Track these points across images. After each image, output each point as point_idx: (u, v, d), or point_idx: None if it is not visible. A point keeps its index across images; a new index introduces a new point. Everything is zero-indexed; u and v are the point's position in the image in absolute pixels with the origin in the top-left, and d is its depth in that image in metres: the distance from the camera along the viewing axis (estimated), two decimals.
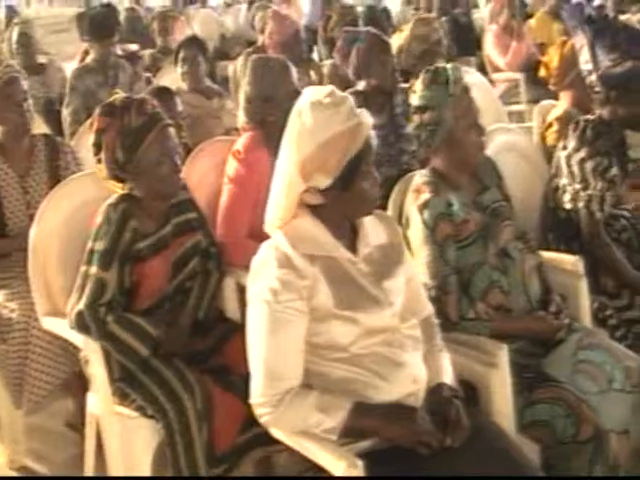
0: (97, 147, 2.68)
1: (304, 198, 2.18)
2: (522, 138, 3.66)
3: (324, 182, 2.13)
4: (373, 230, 2.30)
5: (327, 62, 5.83)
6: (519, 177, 3.43)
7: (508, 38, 6.93)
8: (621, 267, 3.08)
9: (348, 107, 2.15)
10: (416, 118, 2.76)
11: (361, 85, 4.08)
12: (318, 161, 2.12)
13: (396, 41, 4.76)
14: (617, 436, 2.48)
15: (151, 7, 10.40)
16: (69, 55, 9.28)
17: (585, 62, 3.32)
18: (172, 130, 2.73)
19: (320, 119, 2.12)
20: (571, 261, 2.95)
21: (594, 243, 3.10)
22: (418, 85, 2.77)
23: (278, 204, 2.21)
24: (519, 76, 6.65)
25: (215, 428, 2.55)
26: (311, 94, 2.19)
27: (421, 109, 2.73)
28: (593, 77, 3.25)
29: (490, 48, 7.07)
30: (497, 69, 6.99)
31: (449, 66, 2.77)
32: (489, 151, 3.32)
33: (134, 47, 6.80)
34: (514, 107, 6.36)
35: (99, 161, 2.69)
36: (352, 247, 2.24)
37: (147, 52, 6.70)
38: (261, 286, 2.13)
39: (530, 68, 5.99)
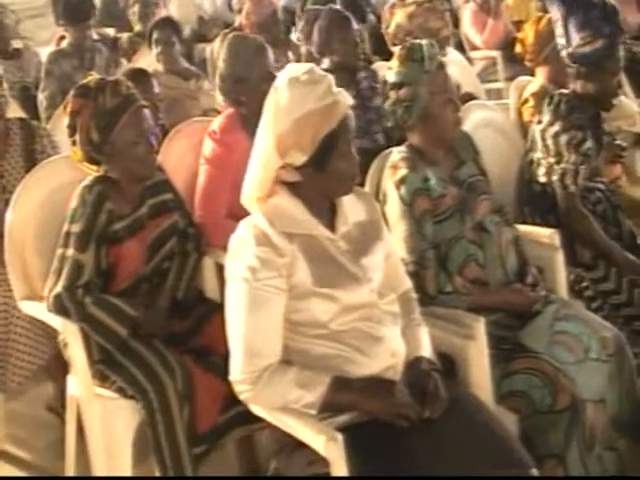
0: (72, 129, 2.68)
1: (281, 174, 2.18)
2: (498, 114, 3.68)
3: (299, 159, 2.14)
4: (352, 207, 2.31)
5: None
6: (496, 152, 3.45)
7: (485, 16, 6.91)
8: (598, 237, 3.10)
9: (325, 85, 2.15)
10: (392, 94, 2.76)
11: (325, 63, 4.08)
12: (293, 138, 2.12)
13: (398, 18, 4.70)
14: (594, 405, 2.51)
15: None
16: (45, 40, 9.20)
17: (559, 36, 3.32)
18: (147, 111, 2.72)
19: (296, 96, 2.12)
20: (547, 234, 2.98)
21: (570, 216, 3.12)
22: (394, 62, 2.78)
23: (255, 178, 2.22)
24: (496, 54, 6.65)
25: (196, 408, 2.56)
26: (290, 71, 2.20)
27: (397, 85, 2.74)
28: (564, 52, 3.26)
29: (467, 26, 7.05)
30: (474, 47, 6.98)
31: (424, 42, 2.77)
32: (466, 127, 3.35)
33: (110, 32, 6.75)
34: (492, 85, 6.37)
35: (74, 143, 2.69)
36: (331, 225, 2.25)
37: (125, 35, 6.63)
38: (240, 264, 2.13)
39: (507, 46, 5.99)
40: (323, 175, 2.16)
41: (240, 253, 2.14)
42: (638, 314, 2.98)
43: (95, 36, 6.15)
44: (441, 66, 2.72)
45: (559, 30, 3.30)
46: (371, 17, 8.38)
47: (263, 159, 2.18)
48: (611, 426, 2.61)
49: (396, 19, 4.69)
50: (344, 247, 2.22)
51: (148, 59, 5.13)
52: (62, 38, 5.65)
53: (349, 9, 7.89)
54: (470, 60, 6.79)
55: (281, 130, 2.12)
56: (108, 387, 2.65)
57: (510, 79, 5.30)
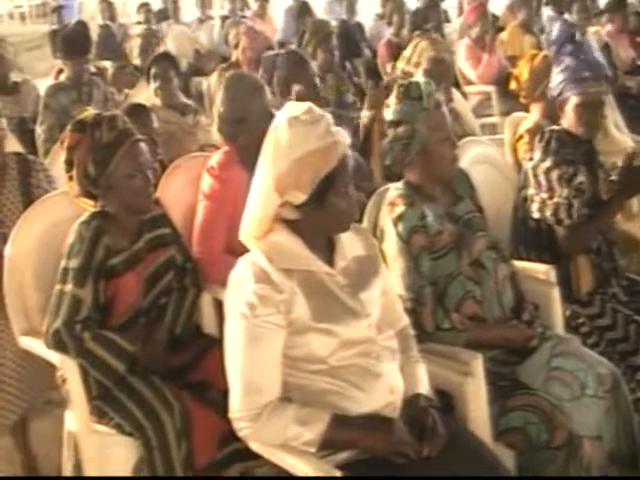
0: (69, 164, 2.71)
1: (280, 212, 2.20)
2: (494, 150, 3.72)
3: (299, 198, 2.16)
4: (350, 242, 2.33)
5: None
6: (491, 188, 3.48)
7: (480, 51, 6.97)
8: (596, 228, 3.14)
9: (324, 125, 2.18)
10: (390, 132, 2.79)
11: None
12: (292, 177, 2.14)
13: (402, 64, 4.78)
14: (590, 442, 2.53)
15: (124, 24, 10.40)
16: (42, 72, 9.30)
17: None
18: (144, 145, 2.76)
19: (296, 135, 2.15)
20: (543, 270, 3.00)
21: (569, 247, 3.13)
22: (392, 99, 2.81)
23: (254, 216, 2.23)
24: (491, 89, 6.70)
25: (194, 444, 2.57)
26: (289, 110, 2.22)
27: (395, 123, 2.77)
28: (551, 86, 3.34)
29: (462, 61, 7.11)
30: (469, 82, 7.03)
31: (422, 80, 2.81)
32: (462, 163, 3.39)
33: (107, 65, 6.81)
34: (487, 119, 6.41)
35: (70, 178, 2.72)
36: (329, 260, 2.26)
37: (113, 66, 6.73)
38: (239, 301, 2.15)
39: (502, 81, 6.04)
40: (322, 213, 2.18)
41: (239, 290, 2.15)
42: (634, 350, 2.98)
43: (92, 69, 6.24)
44: (439, 104, 2.76)
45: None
46: (366, 51, 8.50)
47: (262, 197, 2.20)
48: (608, 462, 2.62)
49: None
50: (342, 282, 2.24)
51: (146, 93, 5.17)
52: (60, 71, 5.71)
53: (345, 44, 8.07)
54: (465, 95, 6.86)
55: (281, 169, 2.14)
56: (106, 423, 2.65)
57: (505, 114, 5.36)
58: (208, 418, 2.58)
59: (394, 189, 2.79)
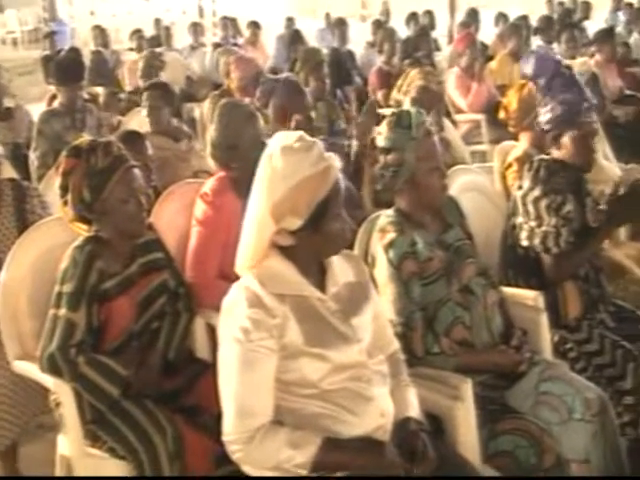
0: (64, 189, 2.75)
1: (275, 239, 2.24)
2: (483, 178, 3.78)
3: (295, 224, 2.20)
4: (341, 269, 2.37)
5: None
6: (480, 215, 3.54)
7: (469, 80, 7.07)
8: (583, 256, 3.18)
9: (317, 151, 2.23)
10: (381, 159, 2.84)
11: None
12: (289, 203, 2.18)
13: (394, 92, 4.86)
14: (578, 465, 2.57)
15: (116, 50, 10.48)
16: (34, 97, 9.36)
17: (540, 105, 3.43)
18: (137, 171, 2.80)
19: (291, 163, 2.19)
20: (531, 296, 3.05)
21: (556, 275, 3.17)
22: (383, 127, 2.86)
23: (249, 245, 2.27)
24: (480, 117, 6.78)
25: (186, 467, 2.59)
26: (281, 139, 2.26)
27: (385, 150, 2.82)
28: (542, 118, 3.37)
29: (452, 90, 7.21)
30: (459, 110, 7.12)
31: (412, 110, 2.87)
32: (452, 190, 3.44)
33: (100, 90, 6.87)
34: (477, 147, 6.49)
35: (65, 203, 2.76)
36: (321, 286, 2.30)
37: (103, 91, 6.80)
38: (232, 325, 2.18)
39: (491, 109, 6.12)
40: (317, 237, 2.22)
41: (233, 314, 2.19)
42: (620, 374, 3.03)
43: (86, 96, 6.29)
44: (428, 133, 2.81)
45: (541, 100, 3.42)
46: (357, 79, 8.58)
47: (258, 225, 2.24)
48: None
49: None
50: (334, 307, 2.28)
51: (139, 119, 5.23)
52: (53, 97, 5.76)
53: (336, 72, 8.15)
54: (455, 123, 6.94)
55: (277, 197, 2.18)
56: (99, 447, 2.68)
57: (494, 142, 5.43)
58: (201, 442, 2.61)
59: (385, 216, 2.83)
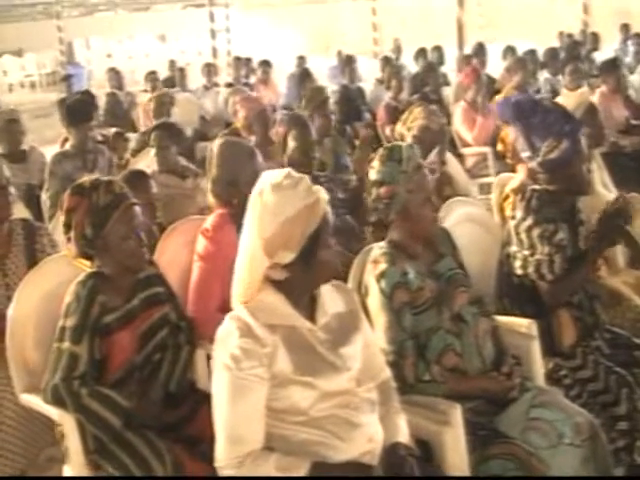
0: (67, 226, 2.87)
1: (269, 274, 2.33)
2: (480, 210, 3.86)
3: (287, 257, 2.30)
4: (331, 299, 2.46)
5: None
6: (478, 246, 3.62)
7: (474, 114, 7.18)
8: (578, 278, 3.24)
9: (305, 186, 2.32)
10: (374, 191, 2.94)
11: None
12: (281, 238, 2.28)
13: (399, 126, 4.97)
14: None
15: (131, 92, 10.67)
16: (50, 139, 9.55)
17: (523, 150, 3.47)
18: (138, 208, 2.91)
19: (281, 199, 2.29)
20: (525, 324, 3.11)
21: (551, 301, 3.23)
22: (376, 161, 2.96)
23: (243, 280, 2.37)
24: (487, 150, 6.87)
25: None
26: (270, 177, 2.36)
27: (377, 183, 2.92)
28: (534, 163, 3.40)
29: (458, 123, 7.32)
30: (466, 143, 7.23)
31: (404, 145, 2.97)
32: (449, 222, 3.53)
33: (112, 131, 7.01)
34: (484, 179, 6.56)
35: (69, 240, 2.86)
36: (311, 316, 2.39)
37: (111, 132, 6.97)
38: (224, 354, 2.27)
39: (496, 142, 6.21)
40: (309, 268, 2.32)
41: (225, 344, 2.28)
42: (614, 400, 3.07)
43: (99, 137, 6.44)
44: (419, 167, 2.90)
45: (522, 145, 3.45)
46: (367, 115, 8.71)
47: (251, 261, 2.34)
48: None
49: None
50: (323, 337, 2.36)
51: (148, 159, 5.35)
52: (66, 140, 5.89)
53: (346, 108, 8.28)
54: (462, 156, 7.04)
55: (268, 233, 2.28)
56: (101, 475, 2.75)
57: (500, 174, 5.51)
58: (200, 471, 2.67)
59: (378, 248, 2.92)
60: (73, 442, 2.77)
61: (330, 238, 2.36)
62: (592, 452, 2.76)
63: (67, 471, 2.88)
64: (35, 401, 2.92)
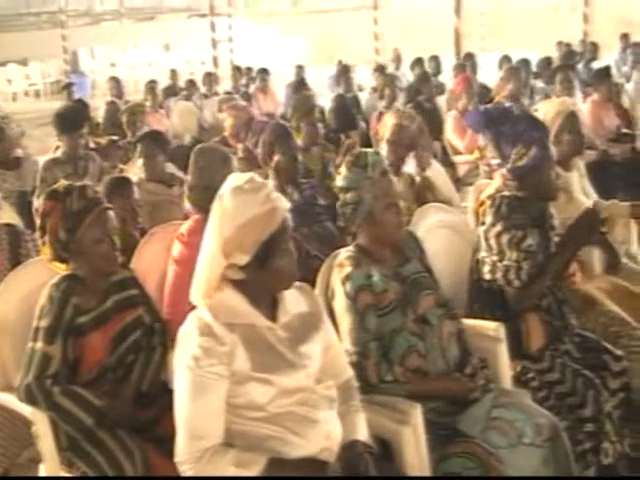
0: (42, 230, 2.94)
1: (226, 273, 2.41)
2: (453, 216, 3.93)
3: (243, 259, 2.38)
4: (294, 300, 2.53)
5: None
6: (452, 251, 3.70)
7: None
8: (542, 282, 3.28)
9: (265, 192, 2.40)
10: (341, 196, 3.01)
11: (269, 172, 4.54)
12: (237, 241, 2.36)
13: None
14: None
15: (130, 100, 10.75)
16: (52, 146, 9.65)
17: (492, 157, 3.54)
18: (111, 213, 2.98)
19: (239, 203, 2.37)
20: (492, 327, 3.18)
21: (518, 306, 3.29)
22: (342, 168, 3.03)
23: (202, 278, 2.45)
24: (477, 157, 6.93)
25: None
26: (233, 180, 2.44)
27: (344, 189, 2.99)
28: (504, 170, 3.47)
29: (450, 132, 7.39)
30: (457, 152, 7.29)
31: (370, 151, 3.04)
32: (422, 227, 3.60)
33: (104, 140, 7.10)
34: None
35: (44, 243, 2.94)
36: (272, 315, 2.46)
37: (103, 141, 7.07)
38: (185, 353, 2.35)
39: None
40: (264, 273, 2.39)
41: (185, 343, 2.35)
42: (581, 403, 3.13)
43: (92, 144, 6.52)
44: (384, 172, 2.97)
45: (492, 153, 3.52)
46: (362, 124, 8.80)
47: (209, 260, 2.42)
48: None
49: None
50: (282, 335, 2.43)
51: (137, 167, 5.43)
52: (58, 147, 5.98)
53: (341, 117, 8.36)
54: (453, 164, 7.11)
55: (227, 234, 2.36)
56: (74, 472, 2.83)
57: None
58: (170, 468, 2.72)
59: (344, 252, 2.99)
60: (46, 440, 2.84)
61: (288, 247, 2.42)
62: (553, 453, 2.82)
63: (42, 470, 2.95)
64: (10, 400, 2.99)
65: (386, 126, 4.78)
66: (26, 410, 2.88)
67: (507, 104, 5.48)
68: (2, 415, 3.29)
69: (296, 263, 2.46)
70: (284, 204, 2.42)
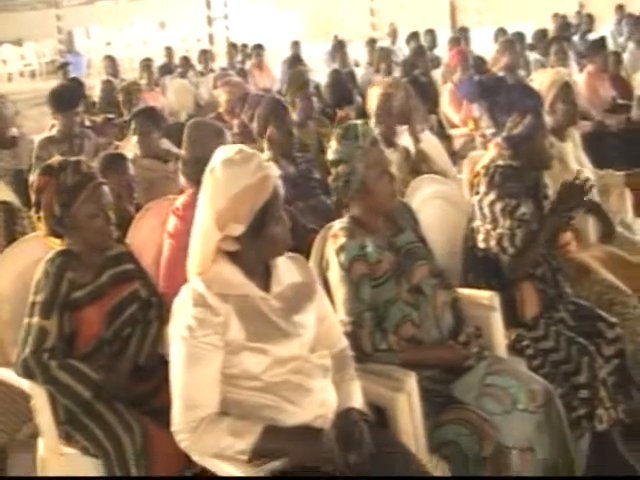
0: (37, 205, 2.95)
1: (221, 245, 2.43)
2: (450, 187, 3.94)
3: (238, 230, 2.39)
4: (287, 270, 2.55)
5: None
6: (446, 222, 3.71)
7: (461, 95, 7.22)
8: (535, 247, 3.29)
9: (256, 162, 2.41)
10: (332, 170, 3.02)
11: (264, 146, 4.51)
12: (231, 212, 2.37)
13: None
14: (520, 453, 2.70)
15: (126, 79, 10.74)
16: (47, 126, 9.65)
17: (487, 127, 3.55)
18: (106, 188, 2.99)
19: (231, 175, 2.38)
20: (486, 296, 3.19)
21: (513, 273, 3.31)
22: (332, 141, 3.04)
23: (197, 252, 2.47)
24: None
25: (154, 463, 2.75)
26: (223, 153, 2.46)
27: (335, 162, 3.00)
28: (499, 139, 3.48)
29: (446, 105, 7.38)
30: (453, 125, 7.28)
31: (359, 122, 3.05)
32: (417, 198, 3.61)
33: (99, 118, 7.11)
34: None
35: (39, 219, 2.95)
36: (266, 286, 2.48)
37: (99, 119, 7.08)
38: (179, 324, 2.37)
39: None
40: (259, 241, 2.41)
41: (180, 314, 2.38)
42: (575, 370, 3.15)
43: (87, 122, 6.52)
44: (375, 142, 2.98)
45: (486, 122, 3.53)
46: (358, 98, 8.78)
47: (204, 234, 2.44)
48: (544, 472, 2.79)
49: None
50: (276, 305, 2.45)
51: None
52: (54, 126, 5.98)
53: (337, 92, 8.35)
54: (449, 137, 7.10)
55: (219, 207, 2.38)
56: (73, 446, 2.85)
57: None
58: (168, 438, 2.74)
59: (339, 223, 3.00)
60: (44, 414, 2.86)
61: (281, 213, 2.44)
62: (547, 419, 2.85)
63: (41, 444, 2.97)
64: (8, 374, 3.01)
65: (372, 98, 4.79)
66: (24, 384, 2.89)
67: (501, 74, 5.48)
68: (1, 390, 3.31)
69: (289, 231, 2.47)
70: (275, 172, 2.43)
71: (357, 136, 2.93)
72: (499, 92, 3.44)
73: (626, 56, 9.63)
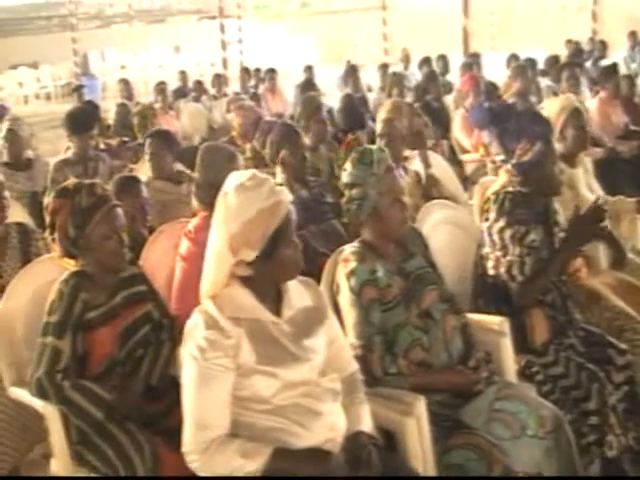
0: (52, 227, 2.99)
1: (234, 270, 2.46)
2: (458, 212, 3.97)
3: (250, 255, 2.42)
4: (299, 294, 2.58)
5: None
6: (456, 248, 3.74)
7: None
8: (546, 277, 3.31)
9: (268, 188, 2.44)
10: (346, 192, 3.06)
11: (277, 170, 4.53)
12: (244, 237, 2.41)
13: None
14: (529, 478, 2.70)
15: (140, 102, 10.82)
16: (62, 148, 9.73)
17: (497, 154, 3.57)
18: (119, 210, 3.03)
19: (244, 200, 2.42)
20: (496, 322, 3.21)
21: (521, 301, 3.32)
22: (348, 164, 3.08)
23: (210, 275, 2.50)
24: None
25: None
26: (235, 178, 2.49)
27: (349, 185, 3.04)
28: (509, 166, 3.51)
29: (457, 131, 7.40)
30: (465, 150, 7.31)
31: (374, 148, 3.09)
32: (427, 224, 3.64)
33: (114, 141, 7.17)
34: None
35: (53, 240, 2.99)
36: (277, 310, 2.51)
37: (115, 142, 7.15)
38: (191, 346, 2.40)
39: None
40: (272, 265, 2.44)
41: (192, 336, 2.40)
42: (585, 396, 3.16)
43: (102, 145, 6.58)
44: (389, 169, 3.01)
45: (496, 149, 3.56)
46: (370, 123, 8.82)
47: (217, 259, 2.48)
48: None
49: None
50: (287, 329, 2.47)
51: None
52: (69, 148, 6.05)
53: (349, 116, 8.39)
54: (461, 162, 7.13)
55: (232, 232, 2.41)
56: (85, 465, 2.87)
57: None
58: (178, 459, 2.77)
59: (349, 247, 3.03)
60: (57, 434, 2.89)
61: (292, 237, 2.47)
62: (556, 445, 2.85)
63: (54, 464, 3.00)
64: (23, 394, 3.05)
65: (378, 120, 4.84)
66: (38, 404, 2.93)
67: (511, 101, 5.52)
68: (15, 410, 3.35)
69: (300, 254, 2.50)
70: (287, 197, 2.46)
71: (372, 162, 2.97)
72: (509, 119, 3.46)
73: (639, 82, 9.66)
